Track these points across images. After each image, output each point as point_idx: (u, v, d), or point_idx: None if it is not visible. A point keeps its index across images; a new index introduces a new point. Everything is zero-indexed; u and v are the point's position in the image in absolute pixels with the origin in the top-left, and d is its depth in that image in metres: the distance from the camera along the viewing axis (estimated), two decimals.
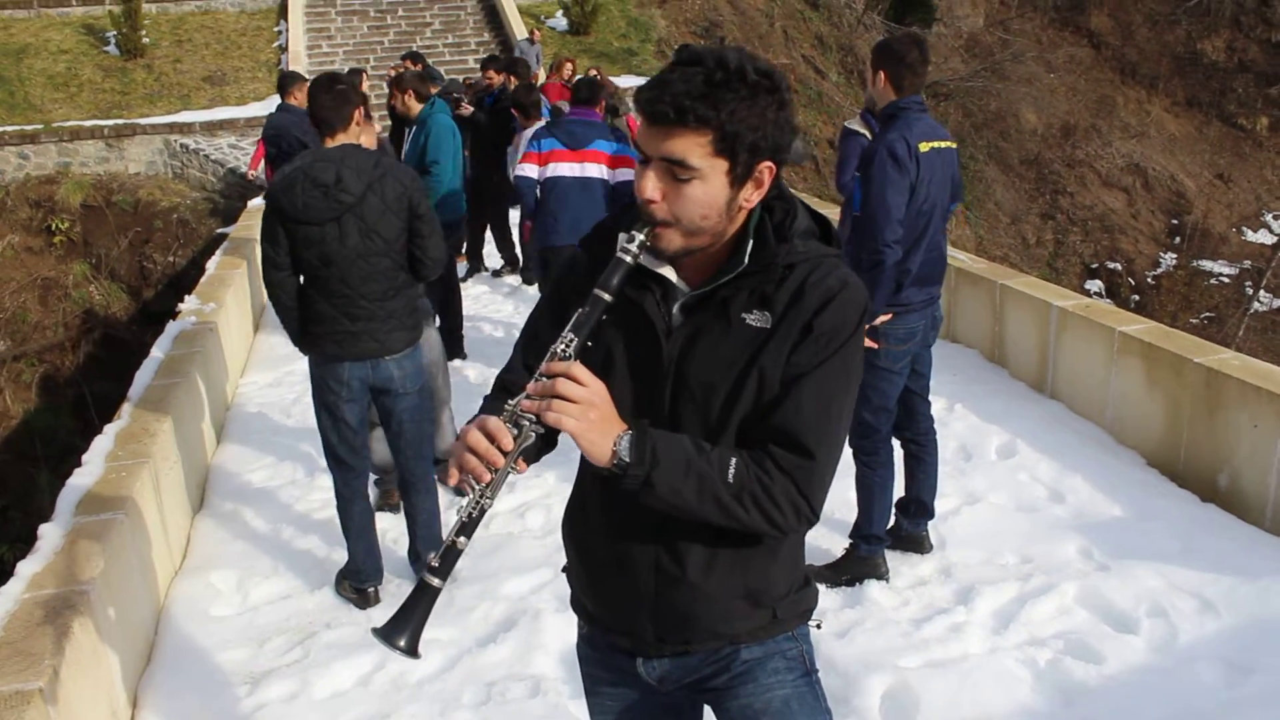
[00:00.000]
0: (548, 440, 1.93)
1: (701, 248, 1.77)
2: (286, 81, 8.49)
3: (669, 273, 1.82)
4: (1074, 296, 6.58)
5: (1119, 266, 24.44)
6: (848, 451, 4.10)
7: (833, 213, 9.43)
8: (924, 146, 4.00)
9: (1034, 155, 25.87)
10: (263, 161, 9.46)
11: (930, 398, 4.57)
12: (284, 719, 3.70)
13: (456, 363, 7.48)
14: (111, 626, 3.63)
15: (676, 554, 1.86)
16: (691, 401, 1.80)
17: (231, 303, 7.98)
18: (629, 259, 1.72)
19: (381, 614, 4.35)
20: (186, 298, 7.75)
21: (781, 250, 1.78)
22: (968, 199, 22.65)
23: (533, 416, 1.67)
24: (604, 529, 1.92)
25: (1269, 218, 26.32)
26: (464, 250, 10.26)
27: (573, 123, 5.96)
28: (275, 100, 9.42)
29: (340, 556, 4.53)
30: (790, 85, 1.78)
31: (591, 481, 1.95)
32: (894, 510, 4.52)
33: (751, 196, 1.76)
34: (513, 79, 10.00)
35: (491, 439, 1.66)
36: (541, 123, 7.66)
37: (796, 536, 1.97)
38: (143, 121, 17.80)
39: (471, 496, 1.69)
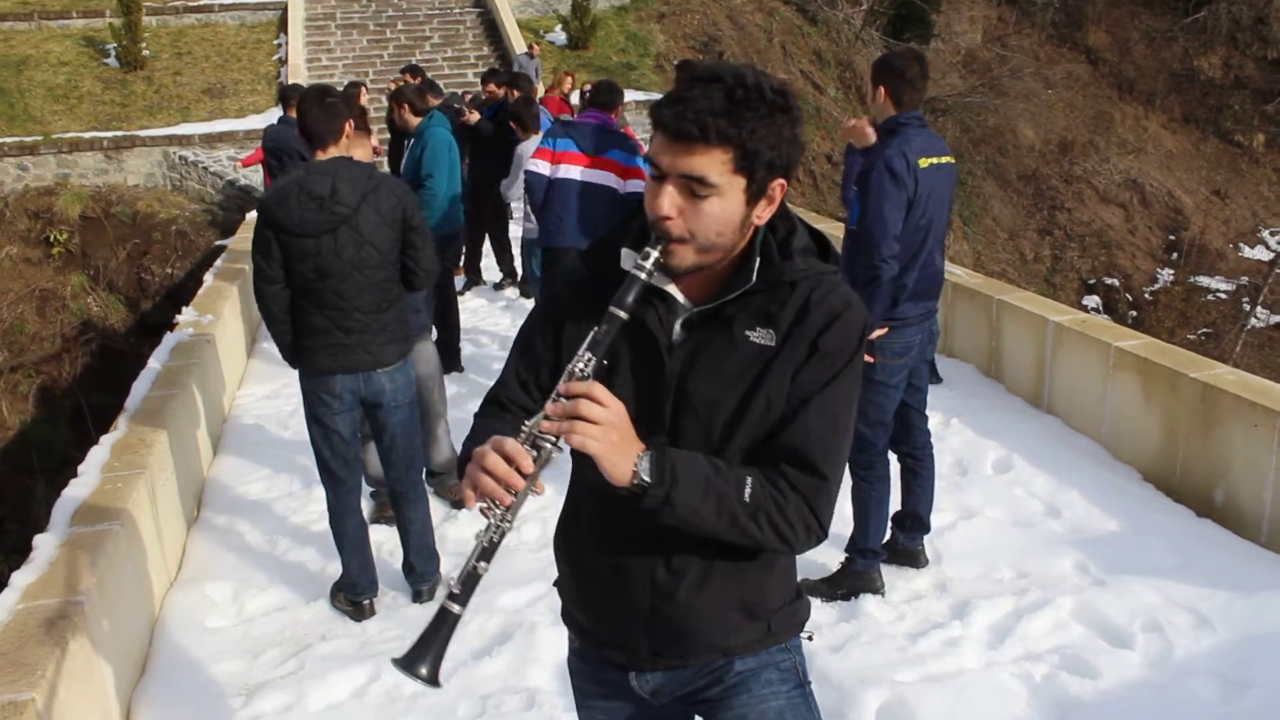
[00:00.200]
0: None
1: (711, 264, 1.77)
2: (289, 94, 8.53)
3: (673, 289, 1.82)
4: (1070, 311, 6.60)
5: (1116, 282, 24.49)
6: None
7: (827, 227, 9.45)
8: (924, 162, 4.01)
9: (1032, 171, 25.94)
10: (262, 168, 9.49)
11: (927, 412, 4.58)
12: None
13: (453, 376, 7.48)
14: (106, 637, 3.62)
15: (672, 568, 1.86)
16: (694, 417, 1.80)
17: (229, 315, 7.98)
18: (644, 275, 1.71)
19: (377, 626, 4.35)
20: (184, 309, 7.75)
21: (788, 268, 1.79)
22: (965, 214, 22.71)
23: (552, 438, 1.65)
24: (598, 543, 1.91)
25: (1266, 234, 26.39)
26: (462, 263, 10.27)
27: (590, 127, 5.82)
28: (273, 113, 9.46)
29: (336, 569, 4.52)
30: None
31: (586, 495, 1.94)
32: (890, 524, 4.51)
33: (763, 213, 1.77)
34: (514, 92, 10.03)
35: (509, 461, 1.63)
36: (539, 136, 7.66)
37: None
38: (142, 133, 17.83)
39: (491, 521, 1.67)
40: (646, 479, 1.66)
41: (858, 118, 5.04)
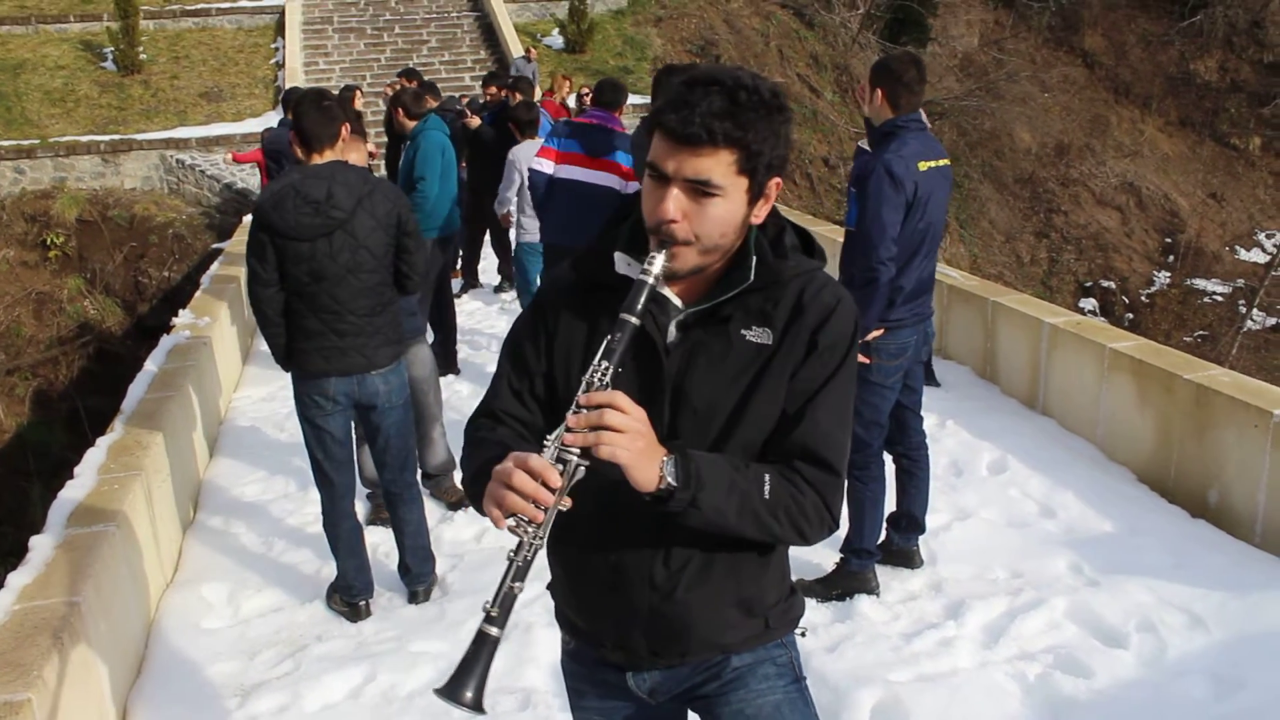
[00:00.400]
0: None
1: (710, 265, 1.79)
2: (291, 98, 8.53)
3: (667, 291, 1.82)
4: (1065, 313, 6.61)
5: (1113, 285, 24.53)
6: None
7: (823, 230, 9.46)
8: (922, 166, 4.02)
9: (1028, 174, 25.98)
10: (259, 170, 9.49)
11: (922, 413, 4.59)
12: None
13: (449, 378, 7.49)
14: (102, 638, 3.63)
15: (670, 567, 1.87)
16: (692, 417, 1.81)
17: (225, 318, 7.99)
18: (651, 280, 1.72)
19: (372, 628, 4.36)
20: (181, 312, 7.76)
21: (784, 266, 1.81)
22: (961, 217, 22.74)
23: (577, 451, 1.63)
24: (594, 545, 1.90)
25: (1261, 236, 26.44)
26: (459, 266, 10.29)
27: (594, 129, 5.78)
28: (269, 116, 9.47)
29: (331, 570, 4.53)
30: None
31: (581, 497, 1.95)
32: (885, 525, 4.52)
33: (761, 213, 1.79)
34: (516, 95, 10.03)
35: (536, 477, 1.62)
36: (537, 141, 7.68)
37: (785, 547, 2.00)
38: (139, 137, 17.85)
39: (524, 539, 1.65)
40: (673, 483, 1.66)
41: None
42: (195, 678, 4.06)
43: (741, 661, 1.97)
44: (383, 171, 11.04)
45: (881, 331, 4.13)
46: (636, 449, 1.63)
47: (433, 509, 5.16)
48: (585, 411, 1.63)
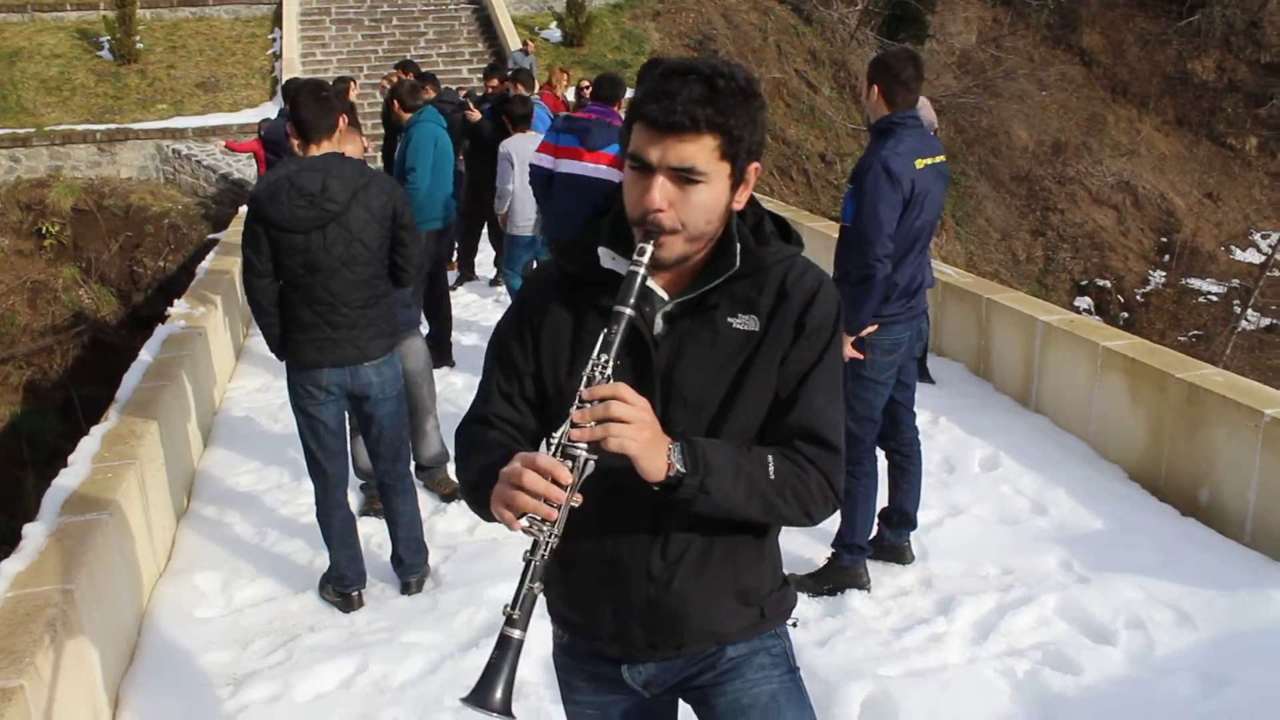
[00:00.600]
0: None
1: (695, 253, 1.80)
2: (290, 89, 8.53)
3: (652, 283, 1.83)
4: (1059, 311, 6.63)
5: (1108, 284, 24.54)
6: None
7: (820, 226, 9.47)
8: (920, 163, 4.03)
9: (1025, 172, 25.98)
10: (255, 161, 9.47)
11: (915, 410, 4.60)
12: None
13: (444, 370, 7.49)
14: (95, 626, 3.64)
15: (668, 558, 1.87)
16: (684, 407, 1.82)
17: (221, 307, 7.99)
18: (643, 270, 1.73)
19: (365, 618, 4.37)
20: (176, 302, 7.76)
21: (767, 252, 1.83)
22: (958, 214, 22.75)
23: (584, 446, 1.63)
24: (590, 538, 1.88)
25: (1257, 237, 26.47)
26: (455, 258, 10.29)
27: (591, 123, 5.82)
28: (266, 106, 9.45)
29: (324, 560, 4.54)
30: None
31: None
32: (877, 520, 4.54)
33: (741, 198, 1.82)
34: (518, 86, 10.03)
35: (546, 475, 1.61)
36: (529, 134, 7.74)
37: (775, 538, 2.01)
38: (135, 126, 17.81)
39: (540, 538, 1.64)
40: (682, 469, 1.67)
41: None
42: (188, 666, 4.07)
43: (737, 652, 1.98)
44: (379, 164, 11.04)
45: (876, 327, 4.14)
46: (644, 439, 1.63)
47: (426, 500, 5.17)
48: (589, 405, 1.63)
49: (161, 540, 4.92)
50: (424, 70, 11.53)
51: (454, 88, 14.08)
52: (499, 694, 1.63)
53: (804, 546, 4.71)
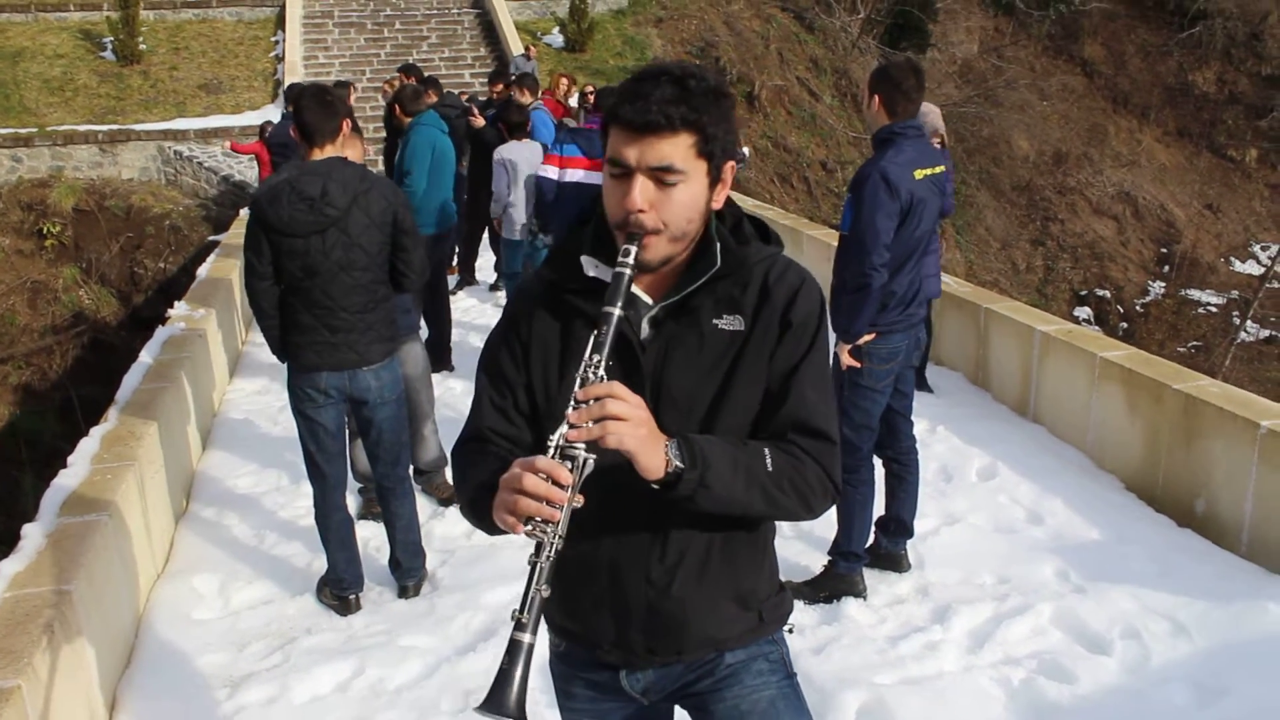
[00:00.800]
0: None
1: (677, 254, 1.82)
2: (293, 93, 8.56)
3: (635, 288, 1.84)
4: (1057, 321, 6.64)
5: (1108, 294, 24.58)
6: None
7: (819, 234, 9.48)
8: (919, 174, 4.05)
9: (1025, 182, 26.03)
10: (258, 163, 9.48)
11: (913, 418, 4.61)
12: None
13: (443, 374, 7.50)
14: (92, 627, 3.64)
15: (667, 563, 1.88)
16: (675, 410, 1.82)
17: (221, 309, 8.00)
18: (629, 271, 1.74)
19: (362, 621, 4.37)
20: (176, 303, 7.77)
21: (748, 251, 1.85)
22: (958, 224, 22.77)
23: (582, 445, 1.63)
24: (589, 543, 1.88)
25: (1257, 248, 26.52)
26: (455, 262, 10.30)
27: (593, 133, 6.05)
28: (268, 109, 9.47)
29: (322, 563, 4.54)
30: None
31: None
32: (873, 528, 4.55)
33: (719, 197, 1.84)
34: (523, 91, 10.04)
35: (545, 477, 1.61)
36: (524, 142, 7.81)
37: (772, 541, 2.02)
38: (137, 127, 17.84)
39: (544, 540, 1.63)
40: (680, 465, 1.68)
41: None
42: (185, 668, 4.07)
43: (735, 658, 1.98)
44: (381, 168, 11.06)
45: (873, 336, 4.16)
46: (641, 435, 1.64)
47: (424, 504, 5.18)
48: (585, 405, 1.63)
49: (160, 542, 4.93)
50: (426, 74, 11.54)
51: (456, 92, 14.10)
52: (513, 699, 1.61)
53: (800, 554, 4.72)
